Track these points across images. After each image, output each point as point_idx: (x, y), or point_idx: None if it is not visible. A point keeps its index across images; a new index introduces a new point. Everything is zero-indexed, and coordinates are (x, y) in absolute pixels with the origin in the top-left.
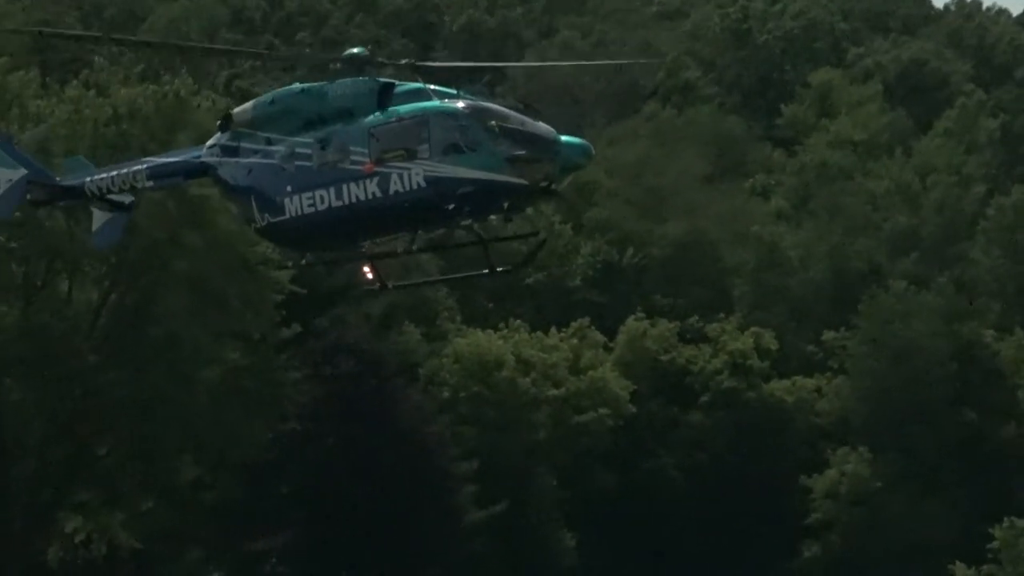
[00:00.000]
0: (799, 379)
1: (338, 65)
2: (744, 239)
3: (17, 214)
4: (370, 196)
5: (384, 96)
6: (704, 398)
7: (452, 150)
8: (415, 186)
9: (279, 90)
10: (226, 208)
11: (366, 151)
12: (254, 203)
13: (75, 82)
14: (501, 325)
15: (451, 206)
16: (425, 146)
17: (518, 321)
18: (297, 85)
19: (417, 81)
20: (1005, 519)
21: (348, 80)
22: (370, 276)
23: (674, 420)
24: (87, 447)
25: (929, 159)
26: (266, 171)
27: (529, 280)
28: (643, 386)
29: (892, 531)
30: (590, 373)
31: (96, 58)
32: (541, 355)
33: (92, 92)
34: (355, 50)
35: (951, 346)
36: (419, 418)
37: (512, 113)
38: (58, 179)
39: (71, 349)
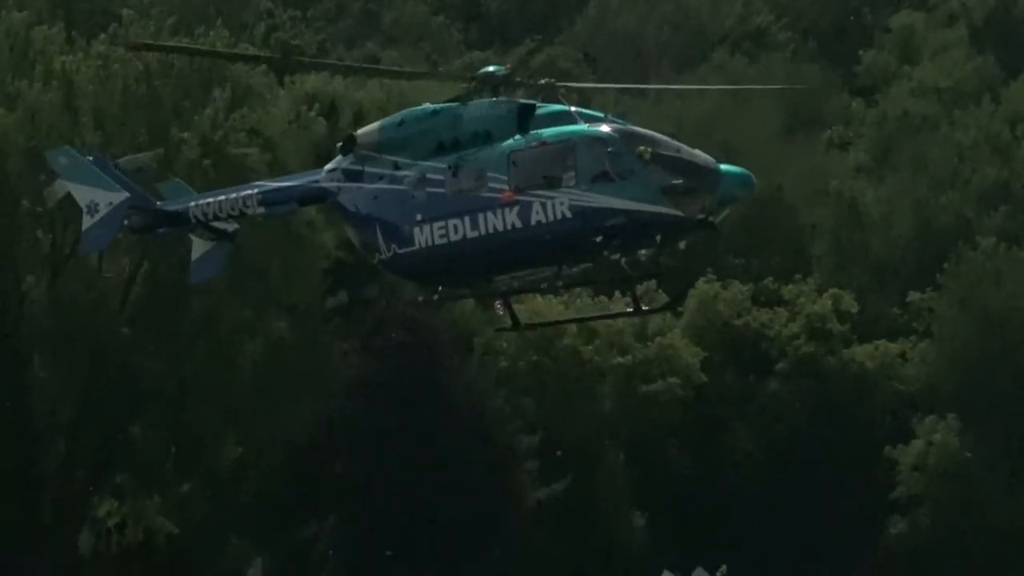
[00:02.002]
0: (882, 344)
1: (472, 84)
2: (822, 195)
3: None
4: (509, 227)
5: (524, 118)
6: (780, 365)
7: (601, 178)
8: (559, 217)
9: (408, 111)
10: (264, 169)
11: (505, 178)
12: (379, 233)
13: (102, 36)
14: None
15: (599, 239)
16: (571, 173)
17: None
18: (428, 106)
19: (562, 103)
20: None
21: (486, 101)
22: (502, 313)
23: (749, 389)
24: (122, 428)
25: (1019, 107)
26: (393, 198)
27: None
28: (715, 353)
29: (985, 507)
30: (658, 340)
31: (124, 10)
32: (606, 321)
33: (121, 48)
34: (491, 68)
35: None
36: (476, 392)
37: (666, 139)
38: (158, 204)
39: (102, 323)
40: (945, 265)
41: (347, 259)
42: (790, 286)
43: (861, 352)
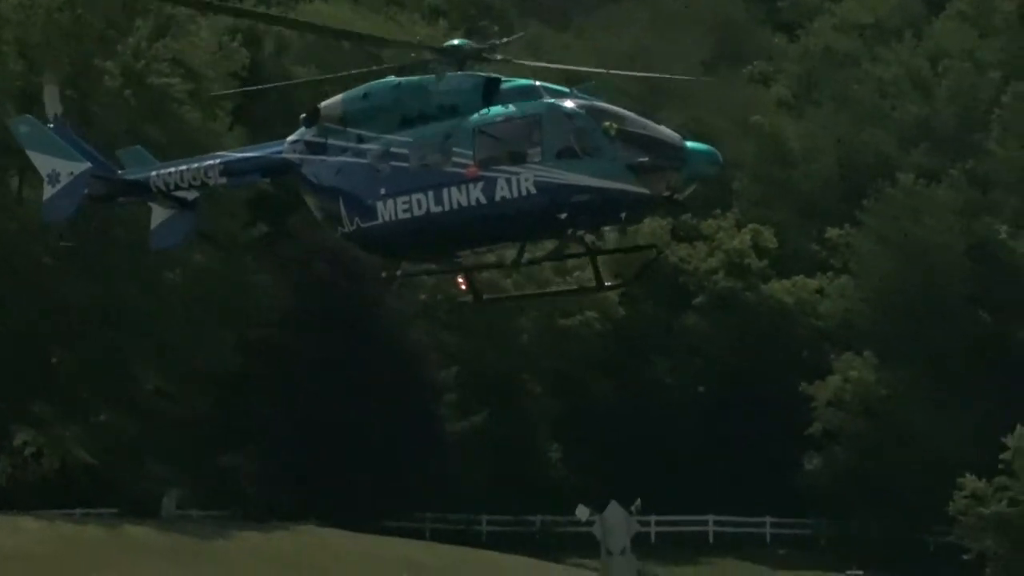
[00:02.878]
0: (800, 279)
1: (435, 57)
2: (744, 130)
3: None
4: (473, 202)
5: (490, 93)
6: (699, 300)
7: (567, 154)
8: (524, 192)
9: (373, 84)
10: (190, 102)
11: (470, 153)
12: (342, 206)
13: None
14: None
15: (564, 215)
16: (537, 149)
17: None
18: (393, 79)
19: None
20: (1018, 427)
21: (451, 75)
22: (464, 288)
23: (667, 324)
24: (41, 356)
25: (942, 43)
26: (357, 172)
27: None
28: (633, 288)
29: (900, 442)
30: (577, 274)
31: None
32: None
33: None
34: (456, 42)
35: (964, 243)
36: (396, 324)
37: (632, 115)
38: (120, 173)
39: (24, 252)
40: (865, 201)
41: (269, 190)
42: (709, 221)
43: (779, 288)
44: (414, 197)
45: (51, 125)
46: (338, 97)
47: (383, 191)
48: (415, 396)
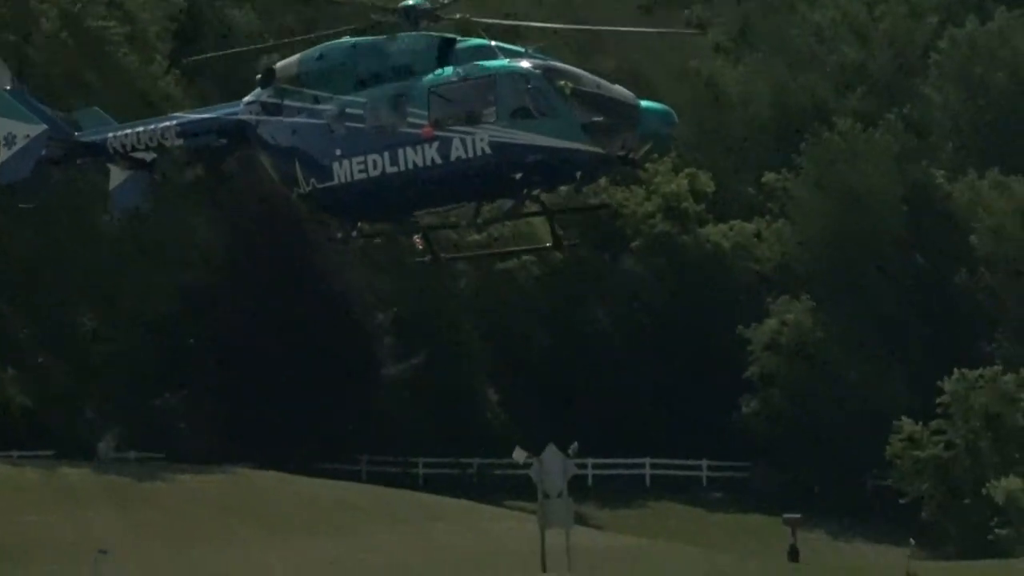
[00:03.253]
0: (738, 223)
1: (391, 17)
2: (682, 74)
3: None
4: (429, 163)
5: (445, 53)
6: (636, 244)
7: (521, 114)
8: (479, 153)
9: (328, 44)
10: (126, 43)
11: (425, 113)
12: (298, 167)
13: None
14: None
15: (519, 175)
16: (491, 109)
17: None
18: (348, 39)
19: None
20: (955, 371)
21: (406, 35)
22: (421, 247)
23: (604, 268)
24: None
25: None
26: (313, 132)
27: None
28: (571, 231)
29: (837, 385)
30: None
31: None
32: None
33: None
34: (410, 1)
35: (901, 188)
36: (333, 268)
37: (587, 75)
38: (77, 134)
39: None
40: (801, 146)
41: None
42: (646, 165)
43: (716, 232)
44: (369, 158)
45: (7, 88)
46: (294, 57)
47: (339, 152)
48: (352, 339)
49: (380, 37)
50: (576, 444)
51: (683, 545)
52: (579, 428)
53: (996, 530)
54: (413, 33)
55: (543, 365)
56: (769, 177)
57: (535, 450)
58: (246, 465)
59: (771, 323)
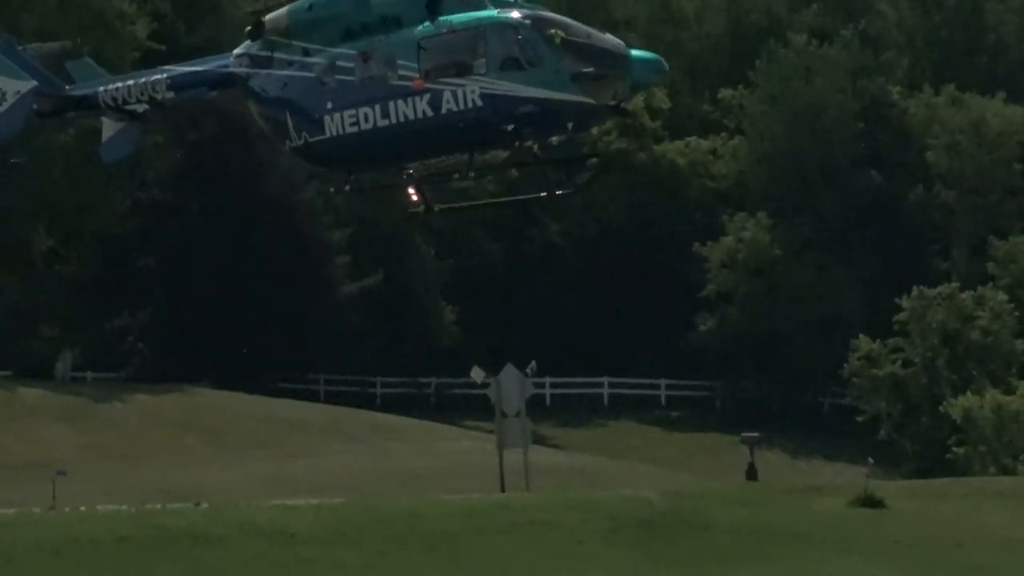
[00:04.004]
0: (693, 140)
1: None
2: None
3: None
4: (420, 115)
5: (434, 3)
6: (591, 160)
7: (512, 65)
8: (470, 104)
9: None
10: None
11: (415, 65)
12: (289, 120)
13: None
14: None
15: (510, 126)
16: (481, 60)
17: None
18: None
19: None
20: (914, 288)
21: None
22: (415, 199)
23: (559, 185)
24: None
25: None
26: (303, 85)
27: None
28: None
29: (794, 302)
30: None
31: None
32: None
33: None
34: None
35: (856, 104)
36: (288, 185)
37: (576, 24)
38: (68, 88)
39: None
40: (757, 62)
41: (159, 51)
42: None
43: (672, 149)
44: (361, 110)
45: None
46: (283, 9)
47: (330, 105)
48: (308, 257)
49: None
50: (534, 364)
51: (641, 464)
52: (537, 347)
53: (954, 448)
54: None
55: (499, 284)
56: (725, 94)
57: (493, 370)
58: (203, 385)
59: (727, 241)
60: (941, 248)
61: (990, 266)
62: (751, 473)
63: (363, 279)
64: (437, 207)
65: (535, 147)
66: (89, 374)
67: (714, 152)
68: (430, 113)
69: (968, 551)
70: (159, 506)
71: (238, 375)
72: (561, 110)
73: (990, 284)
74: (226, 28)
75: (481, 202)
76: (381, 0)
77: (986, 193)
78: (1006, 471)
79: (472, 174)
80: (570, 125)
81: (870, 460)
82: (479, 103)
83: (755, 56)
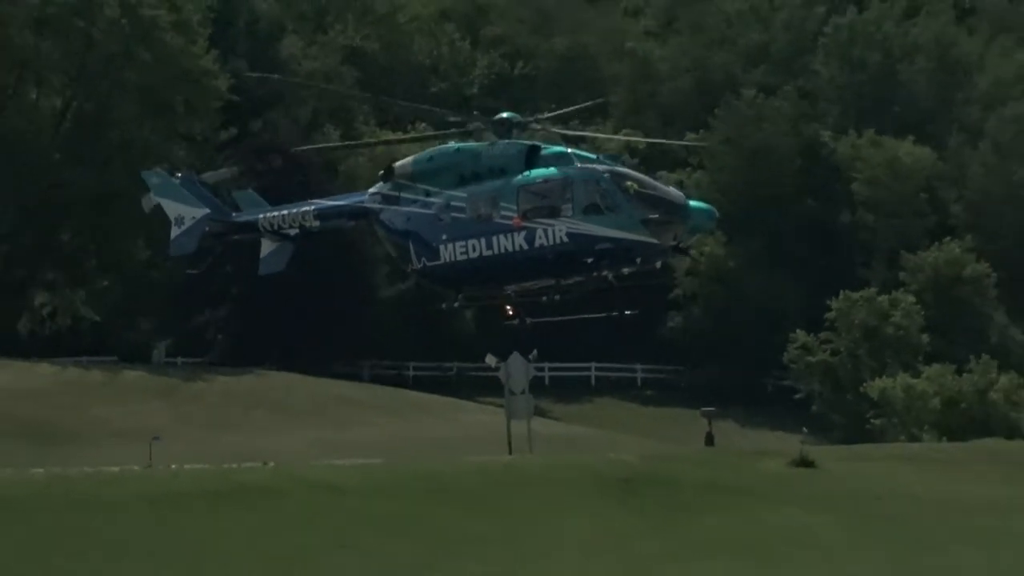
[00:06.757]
0: (664, 173)
1: (488, 127)
2: (620, 53)
3: None
4: (517, 248)
5: (531, 158)
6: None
7: (593, 210)
8: (559, 241)
9: (437, 148)
10: (173, 28)
11: (515, 207)
12: (412, 247)
13: None
14: (409, 127)
15: (590, 260)
16: (568, 205)
17: (423, 124)
18: (453, 144)
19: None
20: (841, 292)
21: (501, 142)
22: (511, 313)
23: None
24: (53, 233)
25: None
26: (424, 220)
27: (434, 89)
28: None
29: (745, 303)
30: None
31: None
32: None
33: None
34: (505, 115)
35: (796, 145)
36: None
37: (647, 178)
38: (234, 215)
39: (39, 148)
40: (716, 111)
41: (237, 101)
42: (592, 127)
43: None
44: (470, 242)
45: (179, 175)
46: (409, 159)
47: (445, 236)
48: (356, 268)
49: (480, 143)
50: (535, 351)
51: (621, 433)
52: (538, 339)
53: (872, 420)
54: (506, 141)
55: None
56: (690, 136)
57: (502, 356)
58: (270, 368)
59: (692, 253)
60: (863, 260)
61: (902, 275)
62: (709, 440)
63: (398, 285)
64: (529, 320)
65: (609, 276)
66: (179, 359)
67: (681, 183)
68: (526, 247)
69: (885, 503)
70: (235, 465)
71: (299, 360)
72: (632, 248)
73: (901, 289)
74: (287, 85)
75: (568, 317)
76: (489, 153)
77: (899, 216)
78: (914, 439)
79: (557, 296)
80: (638, 260)
81: (804, 430)
82: (566, 240)
83: (716, 106)
